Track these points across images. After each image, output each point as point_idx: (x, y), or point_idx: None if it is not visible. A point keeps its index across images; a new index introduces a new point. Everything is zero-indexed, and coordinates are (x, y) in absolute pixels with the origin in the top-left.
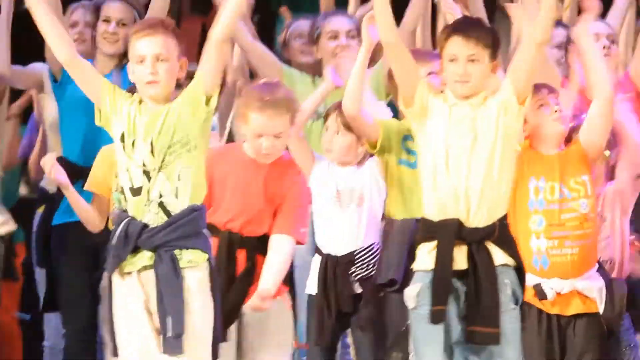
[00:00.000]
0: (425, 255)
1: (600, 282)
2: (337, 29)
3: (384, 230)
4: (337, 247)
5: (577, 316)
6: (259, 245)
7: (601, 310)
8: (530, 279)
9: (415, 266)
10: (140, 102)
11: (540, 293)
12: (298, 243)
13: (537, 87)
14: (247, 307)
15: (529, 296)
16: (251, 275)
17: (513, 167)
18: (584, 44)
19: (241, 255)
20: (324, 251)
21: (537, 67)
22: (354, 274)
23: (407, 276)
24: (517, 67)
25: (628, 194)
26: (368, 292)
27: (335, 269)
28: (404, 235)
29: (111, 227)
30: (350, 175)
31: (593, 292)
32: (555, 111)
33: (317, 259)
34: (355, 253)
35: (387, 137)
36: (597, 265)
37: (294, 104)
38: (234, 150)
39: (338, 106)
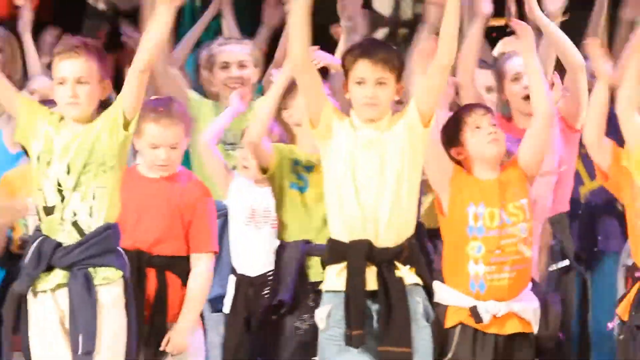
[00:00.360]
0: (334, 277)
1: (535, 303)
2: (228, 60)
3: (276, 253)
4: (251, 268)
5: (513, 336)
6: (168, 263)
7: (535, 330)
8: (466, 301)
9: (324, 287)
10: (61, 119)
11: (476, 316)
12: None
13: (472, 108)
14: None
15: (464, 317)
16: (163, 295)
17: (419, 188)
18: (529, 62)
19: (151, 274)
20: (239, 271)
21: (441, 89)
22: (267, 295)
23: (296, 298)
24: (422, 90)
25: (543, 200)
26: (263, 314)
27: (248, 289)
28: (294, 257)
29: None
30: (266, 195)
31: (528, 313)
32: (491, 133)
33: (232, 279)
34: (268, 274)
35: (280, 162)
36: (530, 284)
37: (188, 116)
38: (129, 173)
39: None
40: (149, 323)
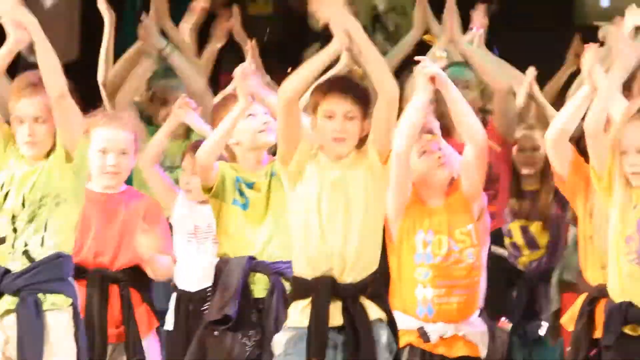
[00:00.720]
0: (299, 313)
1: (483, 327)
2: (167, 97)
3: (217, 268)
4: (192, 284)
5: (460, 359)
6: (131, 278)
7: (483, 355)
8: (414, 323)
9: (288, 323)
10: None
11: (424, 335)
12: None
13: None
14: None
15: (413, 338)
16: (131, 308)
17: (382, 224)
18: (446, 93)
19: (114, 290)
20: (179, 287)
21: (393, 122)
22: (206, 311)
23: (241, 313)
24: (375, 127)
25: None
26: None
27: (188, 305)
28: (237, 272)
29: None
30: (208, 212)
31: (476, 337)
32: (440, 157)
33: (173, 295)
34: (208, 290)
35: (222, 180)
36: (479, 310)
37: (139, 125)
38: None
39: (193, 147)
40: (125, 338)
